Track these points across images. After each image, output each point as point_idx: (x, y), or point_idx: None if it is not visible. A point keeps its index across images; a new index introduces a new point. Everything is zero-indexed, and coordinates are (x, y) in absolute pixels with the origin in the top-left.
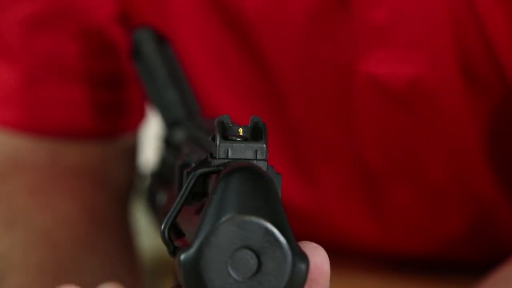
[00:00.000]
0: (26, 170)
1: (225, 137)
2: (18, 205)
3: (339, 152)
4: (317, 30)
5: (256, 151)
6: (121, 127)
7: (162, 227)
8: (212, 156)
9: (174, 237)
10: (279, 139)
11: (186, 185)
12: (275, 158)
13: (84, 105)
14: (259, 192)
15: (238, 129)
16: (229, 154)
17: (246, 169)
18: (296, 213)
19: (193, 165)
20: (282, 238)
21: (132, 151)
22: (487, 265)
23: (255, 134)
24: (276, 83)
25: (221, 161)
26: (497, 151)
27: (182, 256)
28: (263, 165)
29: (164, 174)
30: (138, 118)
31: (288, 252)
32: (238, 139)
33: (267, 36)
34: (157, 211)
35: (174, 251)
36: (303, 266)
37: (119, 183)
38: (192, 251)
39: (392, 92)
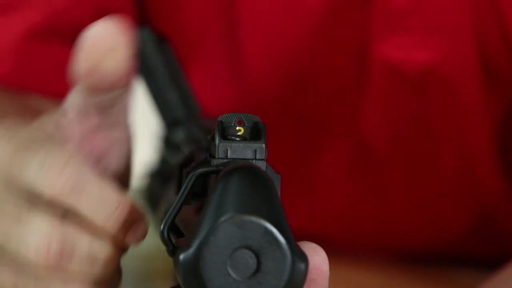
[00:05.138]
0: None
1: (225, 137)
2: None
3: (345, 138)
4: (335, 14)
5: (255, 150)
6: None
7: (162, 227)
8: (212, 155)
9: (173, 237)
10: (289, 124)
11: (185, 185)
12: (283, 144)
13: None
14: (258, 192)
15: (237, 128)
16: (228, 153)
17: (245, 169)
18: (295, 203)
19: (193, 164)
20: (281, 238)
21: None
22: (491, 262)
23: (255, 134)
24: (289, 66)
25: (220, 161)
26: (507, 148)
27: (181, 256)
28: (262, 165)
29: (164, 173)
30: None
31: (288, 252)
32: (237, 138)
33: (283, 19)
34: (156, 211)
35: (173, 251)
36: (302, 266)
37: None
38: (191, 251)
39: (407, 77)
